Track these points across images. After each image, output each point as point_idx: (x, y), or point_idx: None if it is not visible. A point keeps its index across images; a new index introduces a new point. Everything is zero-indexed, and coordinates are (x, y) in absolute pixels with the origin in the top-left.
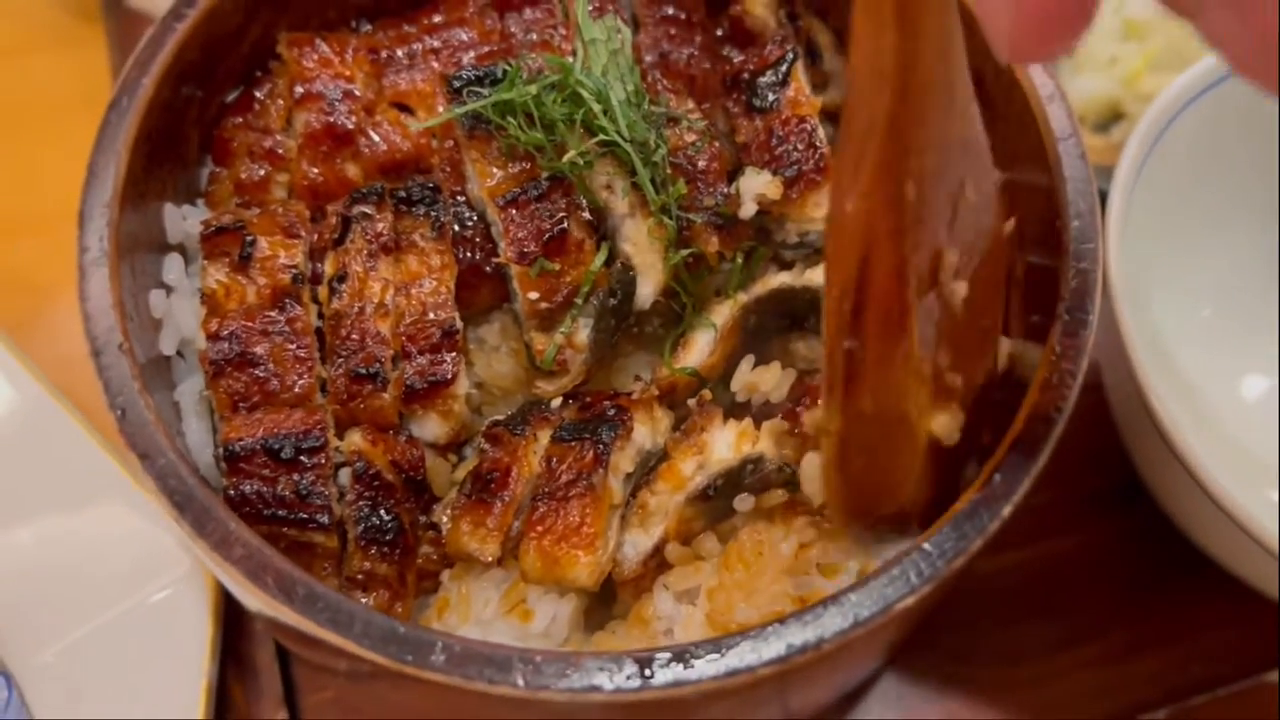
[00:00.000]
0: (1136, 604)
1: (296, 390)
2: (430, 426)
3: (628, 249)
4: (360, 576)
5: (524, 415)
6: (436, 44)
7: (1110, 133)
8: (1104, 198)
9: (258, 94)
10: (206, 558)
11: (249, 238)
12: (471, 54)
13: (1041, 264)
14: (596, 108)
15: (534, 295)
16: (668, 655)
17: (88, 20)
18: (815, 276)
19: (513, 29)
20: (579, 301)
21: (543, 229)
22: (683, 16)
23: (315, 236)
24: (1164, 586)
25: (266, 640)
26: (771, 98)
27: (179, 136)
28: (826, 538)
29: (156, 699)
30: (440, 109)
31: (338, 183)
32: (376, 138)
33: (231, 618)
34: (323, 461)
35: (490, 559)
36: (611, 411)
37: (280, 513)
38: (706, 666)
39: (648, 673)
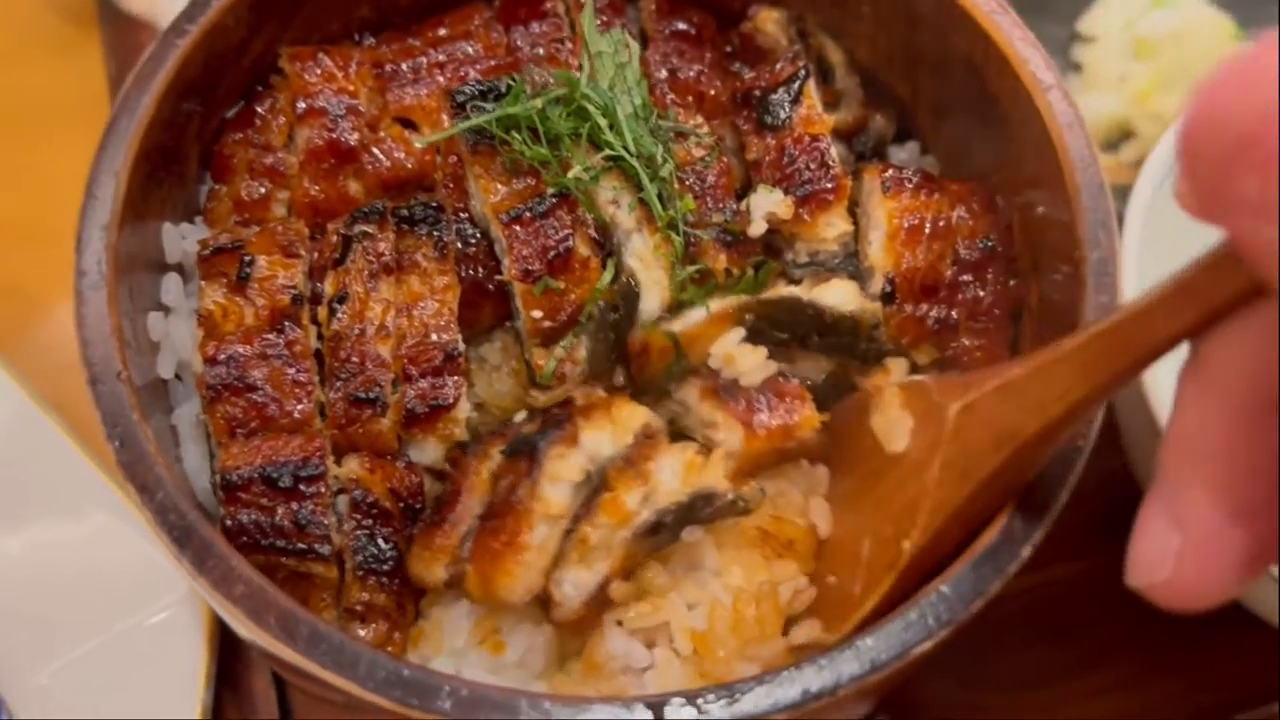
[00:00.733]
0: (1146, 631)
1: (295, 416)
2: (429, 451)
3: (633, 264)
4: (359, 608)
5: (482, 434)
6: (441, 58)
7: (1120, 151)
8: (1118, 218)
9: (259, 109)
10: (207, 595)
11: (247, 257)
12: (477, 68)
13: (1057, 295)
14: (602, 122)
15: (537, 314)
16: (681, 700)
17: (82, 26)
18: (825, 296)
19: (519, 43)
20: (583, 320)
21: (547, 246)
22: (692, 32)
23: (315, 255)
24: (1174, 614)
25: (263, 666)
26: (783, 115)
27: (179, 154)
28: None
29: None
30: (445, 124)
31: (340, 200)
32: (380, 154)
33: (227, 641)
34: (322, 490)
35: (435, 583)
36: (563, 418)
37: (279, 543)
38: (720, 712)
39: (660, 716)
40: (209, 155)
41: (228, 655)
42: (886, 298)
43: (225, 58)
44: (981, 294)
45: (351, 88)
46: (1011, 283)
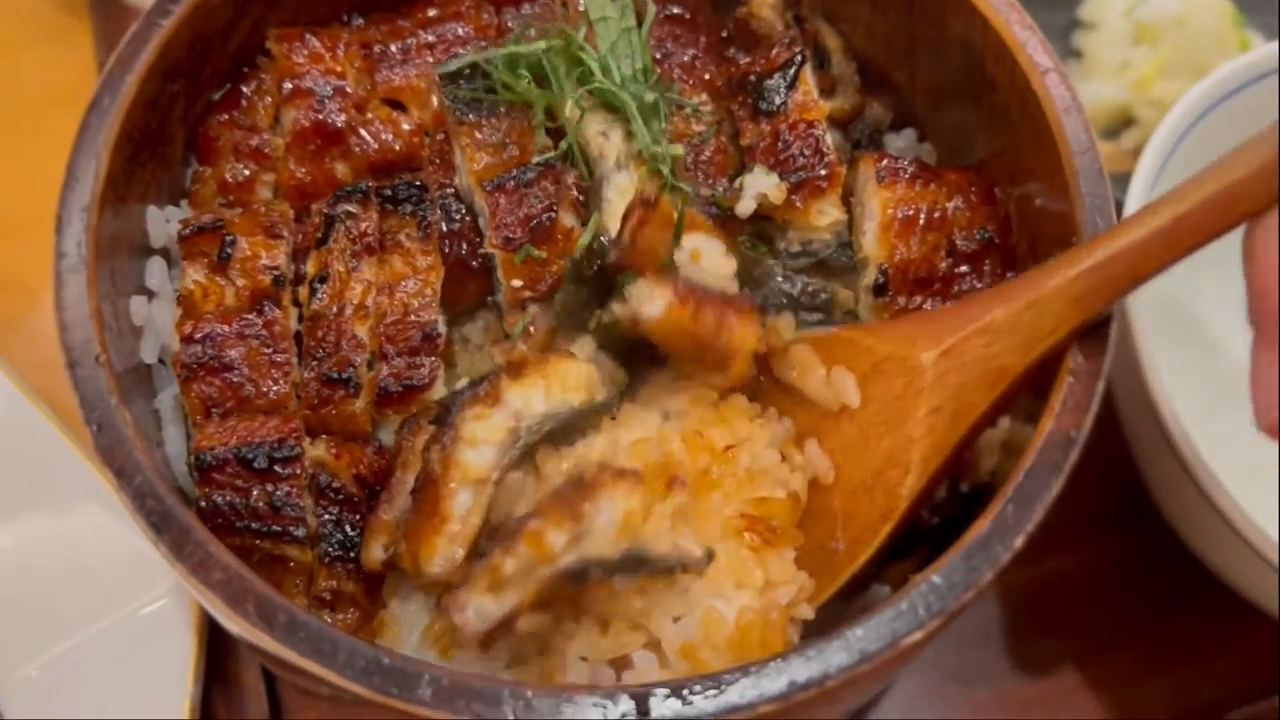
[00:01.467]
0: (1145, 623)
1: (271, 397)
2: None
3: (612, 197)
4: (327, 595)
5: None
6: (431, 39)
7: (1121, 139)
8: (1117, 205)
9: (245, 90)
10: (185, 581)
11: (229, 237)
12: (467, 49)
13: None
14: (596, 66)
15: (518, 283)
16: (665, 691)
17: (74, 14)
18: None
19: (510, 24)
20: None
21: (530, 215)
22: (687, 16)
23: (300, 237)
24: (1174, 606)
25: (253, 661)
26: (778, 101)
27: (163, 136)
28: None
29: (139, 715)
30: (435, 103)
31: (326, 182)
32: (367, 136)
33: (217, 634)
34: (298, 472)
35: (375, 564)
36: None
37: (253, 525)
38: (705, 703)
39: (644, 708)
40: (194, 137)
41: (218, 650)
42: (879, 289)
43: (211, 39)
44: (979, 285)
45: (339, 69)
46: (1009, 275)
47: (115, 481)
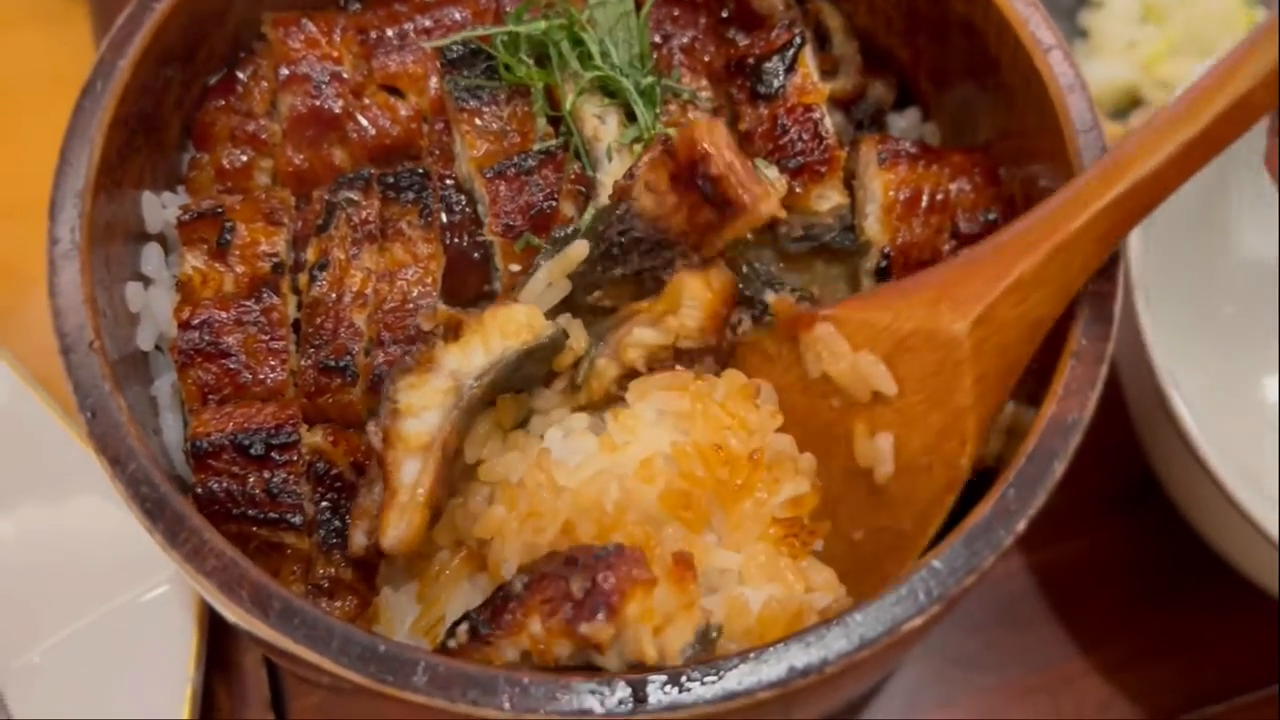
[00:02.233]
0: (1150, 608)
1: (268, 383)
2: None
3: (608, 182)
4: (325, 583)
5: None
6: (428, 23)
7: (1128, 120)
8: None
9: (241, 76)
10: (180, 568)
11: (228, 224)
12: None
13: None
14: (595, 49)
15: (516, 268)
16: (662, 678)
17: None
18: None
19: (508, 8)
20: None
21: (531, 203)
22: None
23: (300, 224)
24: (1179, 591)
25: (254, 648)
26: (777, 84)
27: (158, 121)
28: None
29: (140, 701)
30: (432, 87)
31: (324, 169)
32: (365, 121)
33: (218, 621)
34: (295, 458)
35: (359, 550)
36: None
37: (250, 512)
38: (703, 690)
39: (641, 695)
40: (191, 123)
41: (219, 637)
42: (882, 273)
43: (206, 23)
44: None
45: (336, 54)
46: None
47: (110, 468)
